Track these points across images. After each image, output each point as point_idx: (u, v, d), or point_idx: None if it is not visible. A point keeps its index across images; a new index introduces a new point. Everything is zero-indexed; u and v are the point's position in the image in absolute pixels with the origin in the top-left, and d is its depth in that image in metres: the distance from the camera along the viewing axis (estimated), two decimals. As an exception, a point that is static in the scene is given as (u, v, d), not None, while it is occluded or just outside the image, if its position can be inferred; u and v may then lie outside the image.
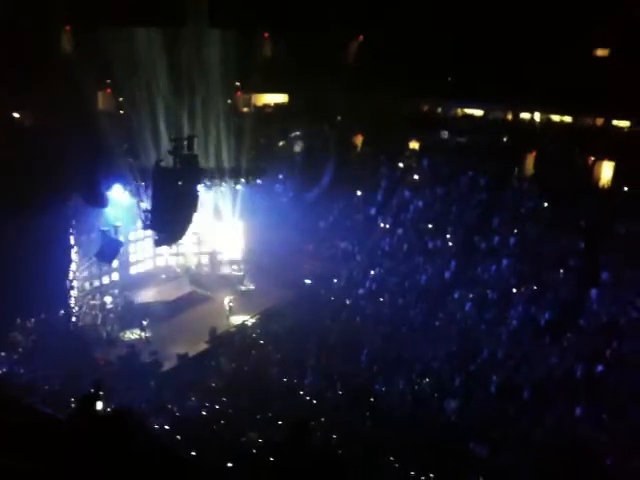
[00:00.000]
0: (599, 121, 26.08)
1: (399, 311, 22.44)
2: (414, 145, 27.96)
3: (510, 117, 28.88)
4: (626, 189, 23.32)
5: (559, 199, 23.12)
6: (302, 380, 19.37)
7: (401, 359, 19.75)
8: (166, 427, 16.71)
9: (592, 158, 24.82)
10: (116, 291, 24.48)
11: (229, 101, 29.24)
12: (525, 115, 28.37)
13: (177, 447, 16.41)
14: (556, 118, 27.60)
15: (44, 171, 22.65)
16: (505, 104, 27.29)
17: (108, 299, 23.96)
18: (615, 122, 25.87)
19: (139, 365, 20.18)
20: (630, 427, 16.04)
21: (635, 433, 15.80)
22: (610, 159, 24.38)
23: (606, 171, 24.57)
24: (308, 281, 24.92)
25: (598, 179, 24.50)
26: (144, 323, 22.54)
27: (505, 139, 27.00)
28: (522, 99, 25.68)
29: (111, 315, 23.43)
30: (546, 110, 26.87)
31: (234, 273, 26.61)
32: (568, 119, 27.11)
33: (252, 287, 25.81)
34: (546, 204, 23.58)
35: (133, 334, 22.54)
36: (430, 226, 24.67)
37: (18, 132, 25.38)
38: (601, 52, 26.11)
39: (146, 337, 22.34)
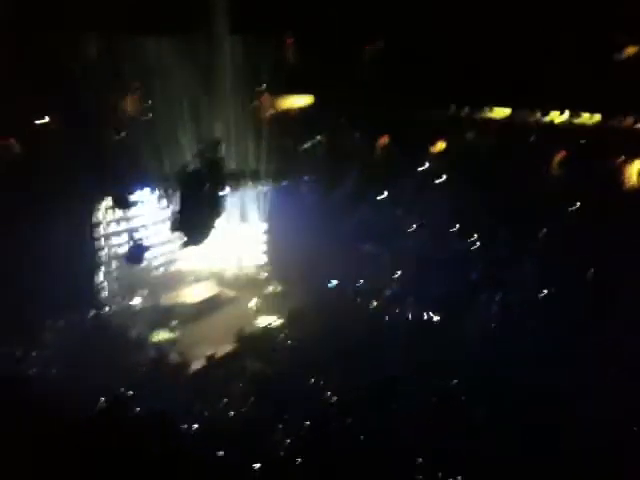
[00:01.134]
0: (628, 121, 25.83)
1: (422, 317, 22.52)
2: (440, 147, 27.86)
3: (534, 119, 28.72)
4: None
5: (585, 202, 23.01)
6: (328, 382, 19.50)
7: (424, 363, 19.82)
8: (195, 427, 16.98)
9: (621, 158, 24.63)
10: (145, 292, 24.86)
11: (254, 104, 29.43)
12: (550, 117, 28.23)
13: (205, 448, 16.83)
14: (580, 119, 27.42)
15: (73, 173, 23.15)
16: (529, 105, 27.10)
17: (137, 300, 24.36)
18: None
19: (167, 367, 20.49)
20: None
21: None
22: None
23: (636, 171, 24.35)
24: (334, 282, 25.03)
25: (627, 180, 24.29)
26: (172, 324, 22.86)
27: (531, 140, 26.84)
28: (549, 100, 25.53)
29: (140, 316, 23.83)
30: (571, 110, 26.63)
31: (261, 275, 26.87)
32: (593, 119, 26.90)
33: (279, 289, 26.03)
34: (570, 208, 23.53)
35: (161, 335, 22.86)
36: (455, 228, 24.69)
37: (48, 135, 25.80)
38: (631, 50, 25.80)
39: (174, 338, 22.67)
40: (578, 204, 23.42)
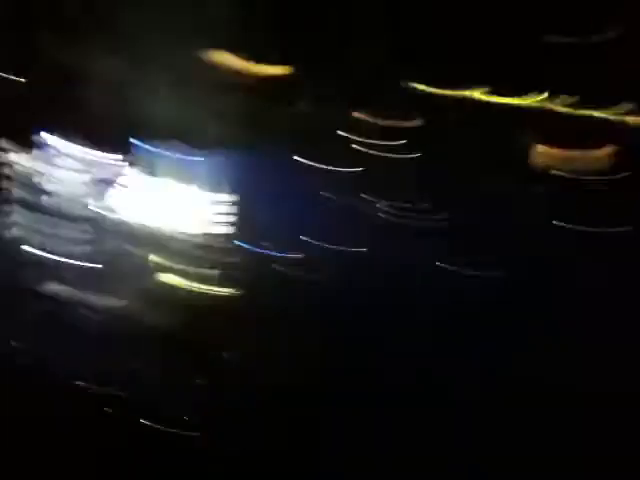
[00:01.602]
0: (540, 103, 26.81)
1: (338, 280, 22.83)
2: (395, 123, 28.12)
3: (455, 95, 29.33)
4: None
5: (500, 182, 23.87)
6: (235, 349, 19.61)
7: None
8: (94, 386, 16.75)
9: (531, 141, 25.56)
10: (42, 241, 23.90)
11: (200, 60, 28.58)
12: (469, 94, 28.89)
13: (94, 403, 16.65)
14: (498, 99, 28.25)
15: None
16: (454, 82, 27.68)
17: (33, 249, 23.44)
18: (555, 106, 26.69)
19: (65, 320, 19.98)
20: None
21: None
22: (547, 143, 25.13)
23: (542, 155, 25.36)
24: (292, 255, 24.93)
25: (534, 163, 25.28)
26: (73, 277, 22.18)
27: (450, 117, 27.48)
28: (470, 77, 26.14)
29: (34, 267, 22.95)
30: (492, 89, 27.42)
31: (219, 244, 26.40)
32: (510, 100, 27.79)
33: (237, 260, 25.66)
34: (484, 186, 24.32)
35: (57, 288, 22.10)
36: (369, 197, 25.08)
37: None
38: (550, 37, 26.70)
39: (73, 291, 22.03)
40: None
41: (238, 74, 29.03)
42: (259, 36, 27.39)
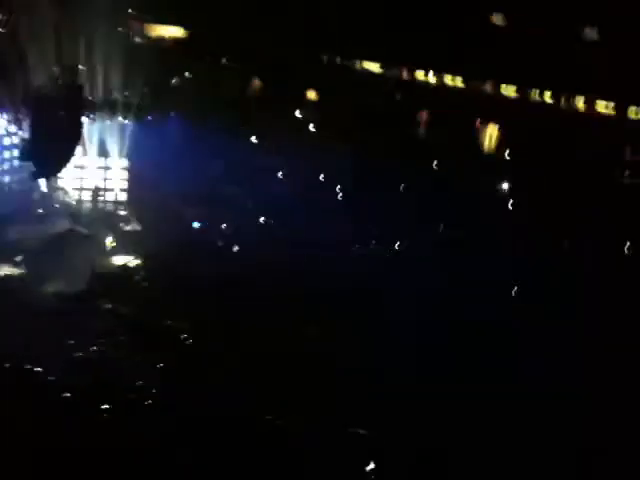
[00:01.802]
0: (488, 86, 27.02)
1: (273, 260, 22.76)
2: (311, 96, 27.74)
3: (405, 76, 29.22)
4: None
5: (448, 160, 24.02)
6: (182, 322, 19.26)
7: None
8: (39, 369, 16.15)
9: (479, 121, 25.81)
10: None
11: (120, 29, 27.57)
12: (420, 76, 28.83)
13: (51, 387, 16.12)
14: (449, 80, 28.26)
15: None
16: (402, 61, 27.56)
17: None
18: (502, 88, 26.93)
19: (11, 303, 19.13)
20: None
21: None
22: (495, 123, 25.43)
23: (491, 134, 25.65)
24: (196, 225, 24.45)
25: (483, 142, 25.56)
26: (17, 259, 21.32)
27: (398, 97, 27.41)
28: (419, 58, 26.08)
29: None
30: (440, 71, 27.40)
31: (118, 212, 25.59)
32: (460, 82, 27.86)
33: (137, 228, 24.90)
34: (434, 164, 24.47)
35: (5, 270, 21.26)
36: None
37: None
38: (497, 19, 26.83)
39: (20, 274, 21.18)
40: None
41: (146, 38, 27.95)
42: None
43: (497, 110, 25.02)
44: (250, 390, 15.61)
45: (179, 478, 13.21)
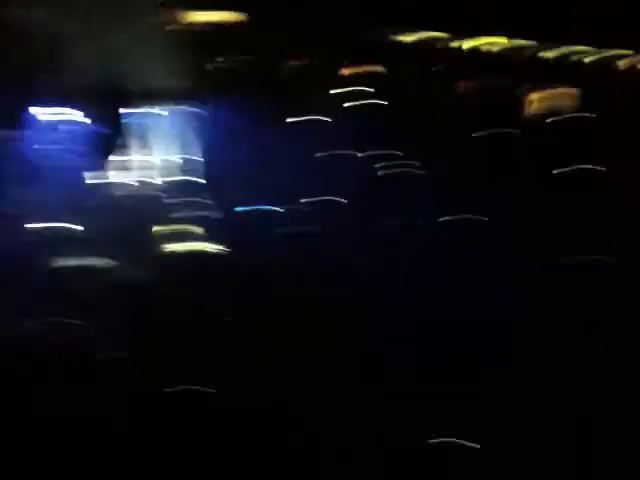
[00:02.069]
0: (528, 50, 26.65)
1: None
2: (351, 71, 27.61)
3: (440, 45, 28.95)
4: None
5: (491, 129, 23.75)
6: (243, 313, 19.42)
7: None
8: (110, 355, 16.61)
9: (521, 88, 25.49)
10: (48, 217, 23.29)
11: (153, 17, 27.75)
12: (454, 43, 28.53)
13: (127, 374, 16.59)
14: (485, 46, 27.92)
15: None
16: (438, 29, 27.35)
17: (41, 225, 22.93)
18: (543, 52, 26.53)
19: (78, 293, 19.71)
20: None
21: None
22: (539, 90, 25.09)
23: (534, 102, 25.30)
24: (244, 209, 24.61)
25: (527, 110, 25.23)
26: (80, 250, 21.76)
27: (437, 68, 27.21)
28: (455, 24, 25.88)
29: (44, 243, 22.51)
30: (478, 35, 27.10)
31: (171, 200, 25.84)
32: (497, 47, 27.52)
33: (190, 215, 25.05)
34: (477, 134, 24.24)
35: (69, 262, 21.70)
36: (363, 155, 24.85)
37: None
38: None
39: (84, 265, 21.61)
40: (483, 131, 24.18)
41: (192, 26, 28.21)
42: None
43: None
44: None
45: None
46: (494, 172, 22.61)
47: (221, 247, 21.27)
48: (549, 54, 25.74)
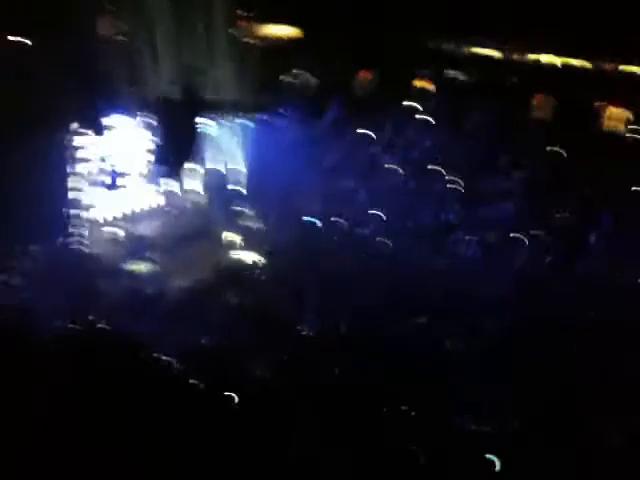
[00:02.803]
0: (609, 65, 25.72)
1: (400, 252, 22.55)
2: (422, 84, 27.41)
3: (518, 57, 28.35)
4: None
5: (567, 144, 23.09)
6: (304, 318, 19.51)
7: (401, 299, 19.88)
8: (170, 358, 16.93)
9: (600, 103, 24.63)
10: (120, 222, 24.32)
11: (231, 30, 28.44)
12: (532, 56, 27.89)
13: (180, 378, 16.86)
14: (563, 60, 27.19)
15: (40, 93, 22.31)
16: (514, 43, 26.76)
17: (112, 230, 23.86)
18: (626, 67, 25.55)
19: (143, 296, 20.28)
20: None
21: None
22: (619, 106, 24.18)
23: (614, 118, 24.39)
24: (311, 219, 24.75)
25: (606, 125, 24.36)
26: (148, 255, 22.50)
27: (514, 80, 26.64)
28: (533, 38, 25.26)
29: (115, 246, 23.40)
30: (556, 51, 26.38)
31: (240, 209, 26.40)
32: (575, 62, 26.73)
33: (259, 225, 25.56)
34: (554, 148, 23.62)
35: (137, 265, 22.50)
36: (436, 167, 24.55)
37: (16, 53, 24.69)
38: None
39: (150, 268, 22.34)
40: (558, 147, 23.50)
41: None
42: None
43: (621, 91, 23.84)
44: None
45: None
46: (567, 187, 22.11)
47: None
48: (628, 69, 24.77)
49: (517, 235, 21.82)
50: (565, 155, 23.05)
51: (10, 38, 25.12)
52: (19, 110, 22.00)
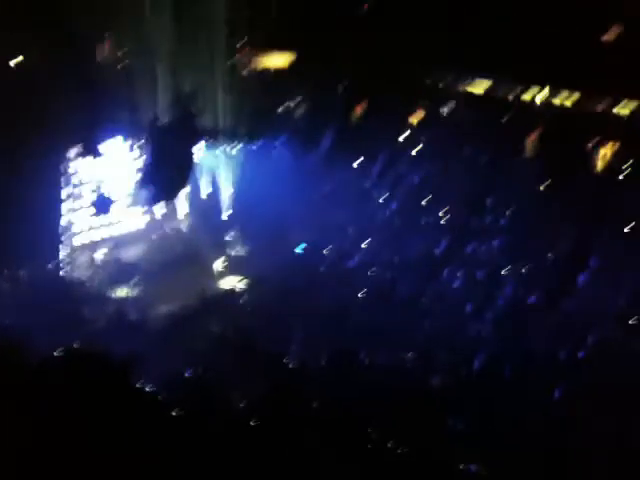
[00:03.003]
0: (602, 104, 25.93)
1: (388, 285, 22.54)
2: (415, 118, 27.58)
3: (512, 96, 28.59)
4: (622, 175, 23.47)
5: (558, 181, 23.16)
6: (288, 348, 19.36)
7: (387, 332, 19.78)
8: (153, 386, 16.67)
9: (592, 142, 24.77)
10: (106, 248, 24.25)
11: (231, 60, 28.68)
12: (526, 95, 28.12)
13: (163, 406, 16.57)
14: (558, 99, 27.41)
15: (38, 120, 22.37)
16: (511, 80, 27.00)
17: (98, 255, 23.77)
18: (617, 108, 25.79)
19: (127, 323, 20.13)
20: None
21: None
22: (611, 143, 24.32)
23: (606, 155, 24.51)
24: (299, 250, 24.74)
25: (598, 163, 24.47)
26: (133, 281, 22.39)
27: (506, 118, 26.81)
28: (528, 75, 25.52)
29: (100, 272, 23.31)
30: (552, 86, 26.58)
31: (226, 237, 26.38)
32: (569, 101, 26.95)
33: (243, 252, 25.54)
34: (544, 186, 23.68)
35: (122, 292, 22.37)
36: (425, 202, 24.60)
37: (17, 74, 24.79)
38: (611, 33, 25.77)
39: (134, 295, 22.23)
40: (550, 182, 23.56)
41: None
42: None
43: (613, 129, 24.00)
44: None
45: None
46: (558, 224, 22.12)
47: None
48: (622, 110, 24.96)
49: (506, 271, 21.83)
50: (557, 192, 23.12)
51: (10, 61, 25.47)
52: (13, 133, 22.10)
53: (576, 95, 25.87)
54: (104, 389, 15.50)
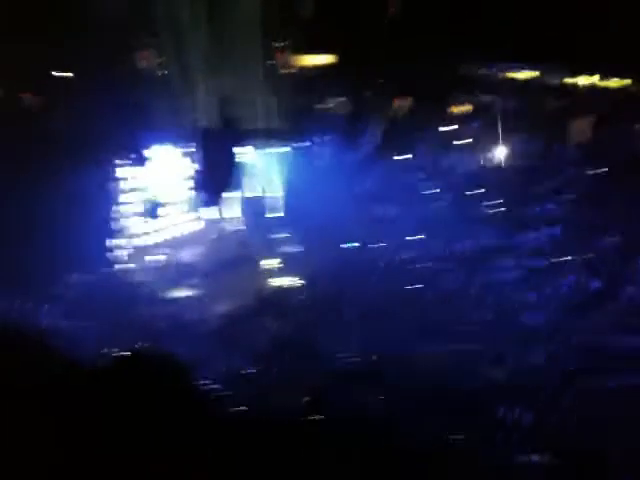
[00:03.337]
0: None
1: (439, 278, 22.44)
2: (459, 109, 27.41)
3: (557, 81, 28.19)
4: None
5: (608, 167, 22.81)
6: (340, 346, 19.48)
7: (444, 326, 19.74)
8: (211, 385, 17.01)
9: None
10: (164, 251, 24.78)
11: (269, 62, 28.95)
12: (571, 80, 27.70)
13: (221, 405, 16.91)
14: (603, 83, 26.93)
15: (87, 128, 22.96)
16: (554, 67, 26.65)
17: (155, 257, 24.26)
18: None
19: (187, 322, 20.55)
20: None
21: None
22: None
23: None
24: (351, 246, 24.82)
25: None
26: (192, 282, 22.79)
27: (553, 104, 26.48)
28: (573, 61, 25.14)
29: (157, 274, 23.80)
30: (596, 73, 26.18)
31: (278, 237, 26.65)
32: (616, 84, 26.47)
33: (296, 251, 25.71)
34: (594, 172, 23.33)
35: (179, 292, 22.82)
36: (474, 193, 24.44)
37: (61, 89, 25.49)
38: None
39: (192, 295, 22.61)
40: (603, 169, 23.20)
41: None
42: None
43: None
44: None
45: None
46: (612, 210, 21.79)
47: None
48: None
49: (560, 260, 21.55)
50: (608, 178, 22.74)
51: (54, 73, 26.16)
52: (64, 143, 22.72)
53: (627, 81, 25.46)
54: (167, 388, 15.97)
